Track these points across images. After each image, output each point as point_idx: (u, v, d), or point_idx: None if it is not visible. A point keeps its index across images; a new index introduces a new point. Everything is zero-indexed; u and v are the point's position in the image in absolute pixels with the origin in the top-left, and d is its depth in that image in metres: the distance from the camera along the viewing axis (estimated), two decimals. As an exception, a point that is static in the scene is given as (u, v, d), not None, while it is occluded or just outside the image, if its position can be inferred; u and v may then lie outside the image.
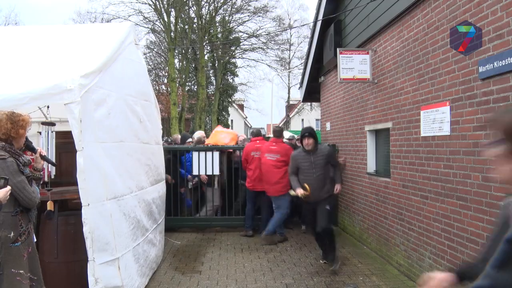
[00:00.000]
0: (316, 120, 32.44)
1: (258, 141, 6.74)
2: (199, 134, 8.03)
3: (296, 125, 35.99)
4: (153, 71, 25.52)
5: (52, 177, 4.79)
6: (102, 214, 3.63)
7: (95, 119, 3.66)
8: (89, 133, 3.52)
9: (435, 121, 4.12)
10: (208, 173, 7.02)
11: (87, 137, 3.48)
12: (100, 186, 3.60)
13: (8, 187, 2.63)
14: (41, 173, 3.10)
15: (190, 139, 8.08)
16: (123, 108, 4.29)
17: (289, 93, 32.19)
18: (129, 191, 4.20)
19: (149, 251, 4.72)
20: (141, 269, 4.28)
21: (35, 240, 3.07)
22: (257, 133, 7.00)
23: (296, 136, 8.68)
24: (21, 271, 2.74)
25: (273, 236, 6.24)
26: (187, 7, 23.23)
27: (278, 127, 7.08)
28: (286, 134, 8.86)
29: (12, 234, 2.72)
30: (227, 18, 25.63)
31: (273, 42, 26.35)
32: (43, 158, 3.08)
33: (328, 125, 8.39)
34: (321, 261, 5.33)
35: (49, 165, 4.05)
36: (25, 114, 2.96)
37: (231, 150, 7.42)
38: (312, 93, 9.50)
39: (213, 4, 24.10)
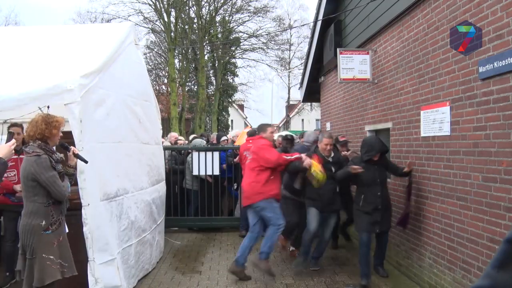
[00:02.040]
0: (316, 120, 32.46)
1: (251, 141, 6.66)
2: (234, 133, 8.36)
3: (296, 125, 36.00)
4: (153, 71, 25.52)
5: None
6: (101, 214, 3.64)
7: (95, 120, 3.67)
8: (89, 134, 3.52)
9: (435, 121, 4.12)
10: (208, 173, 7.01)
11: (87, 137, 3.48)
12: (97, 187, 3.61)
13: (13, 140, 2.98)
14: (74, 169, 3.35)
15: (224, 138, 8.51)
16: (122, 109, 4.29)
17: (289, 93, 32.19)
18: (124, 192, 4.19)
19: (144, 252, 4.68)
20: (129, 270, 4.21)
21: (67, 231, 3.30)
22: (252, 133, 6.92)
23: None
24: (51, 257, 3.02)
25: (267, 263, 4.70)
26: (187, 7, 23.24)
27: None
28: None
29: (43, 222, 3.03)
30: (227, 18, 25.63)
31: (273, 42, 26.37)
32: (76, 156, 3.28)
33: (328, 125, 8.40)
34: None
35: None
36: (60, 116, 3.21)
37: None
38: (312, 93, 9.50)
39: (213, 4, 24.11)
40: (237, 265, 4.66)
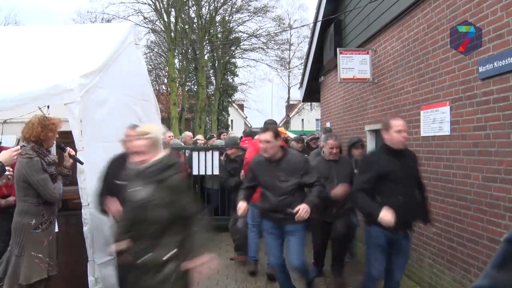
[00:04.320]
0: (316, 120, 32.43)
1: (246, 141, 6.57)
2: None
3: (296, 125, 35.98)
4: (153, 71, 25.50)
5: None
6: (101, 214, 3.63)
7: (95, 119, 3.67)
8: (89, 133, 3.53)
9: (435, 121, 4.12)
10: (208, 173, 7.03)
11: (87, 137, 3.48)
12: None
13: (18, 146, 3.01)
14: (69, 170, 3.39)
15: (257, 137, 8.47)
16: (123, 108, 4.29)
17: (289, 93, 32.19)
18: None
19: None
20: None
21: (56, 230, 3.36)
22: (248, 133, 6.79)
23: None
24: (40, 255, 3.07)
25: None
26: (187, 7, 23.22)
27: (271, 120, 5.76)
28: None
29: (33, 221, 3.09)
30: (227, 18, 25.60)
31: (273, 42, 26.32)
32: (72, 157, 3.32)
33: (328, 125, 8.39)
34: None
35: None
36: (56, 118, 3.24)
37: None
38: (312, 93, 9.49)
39: (213, 4, 24.08)
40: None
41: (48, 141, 3.19)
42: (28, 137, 3.14)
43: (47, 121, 3.16)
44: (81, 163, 3.31)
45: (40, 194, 3.08)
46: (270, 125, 4.86)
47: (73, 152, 3.31)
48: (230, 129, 32.27)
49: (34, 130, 3.11)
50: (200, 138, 8.98)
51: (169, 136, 8.26)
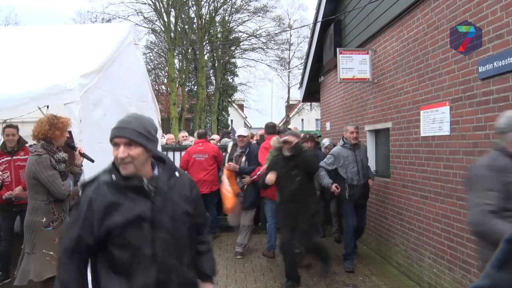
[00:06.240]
0: (316, 120, 32.44)
1: (200, 144, 6.51)
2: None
3: (296, 125, 35.94)
4: (153, 71, 25.51)
5: None
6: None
7: (93, 120, 3.68)
8: (88, 133, 3.54)
9: (435, 121, 4.12)
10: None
11: (85, 137, 3.49)
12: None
13: None
14: (80, 168, 3.42)
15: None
16: (118, 109, 4.29)
17: (289, 93, 32.17)
18: None
19: None
20: None
21: None
22: (202, 135, 6.78)
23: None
24: (51, 253, 3.12)
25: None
26: (187, 7, 23.22)
27: (271, 123, 6.11)
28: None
29: (44, 219, 3.15)
30: (227, 18, 25.59)
31: (273, 42, 26.32)
32: (82, 155, 3.36)
33: (328, 125, 8.40)
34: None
35: None
36: (66, 118, 3.28)
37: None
38: (312, 93, 9.50)
39: (213, 4, 24.08)
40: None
41: (57, 139, 3.24)
42: (37, 135, 3.20)
43: (56, 120, 3.22)
44: (92, 160, 3.35)
45: (50, 191, 3.15)
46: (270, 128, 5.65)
47: (83, 150, 3.36)
48: (230, 129, 32.27)
49: (42, 128, 3.17)
50: (214, 138, 8.78)
51: (183, 136, 8.48)
